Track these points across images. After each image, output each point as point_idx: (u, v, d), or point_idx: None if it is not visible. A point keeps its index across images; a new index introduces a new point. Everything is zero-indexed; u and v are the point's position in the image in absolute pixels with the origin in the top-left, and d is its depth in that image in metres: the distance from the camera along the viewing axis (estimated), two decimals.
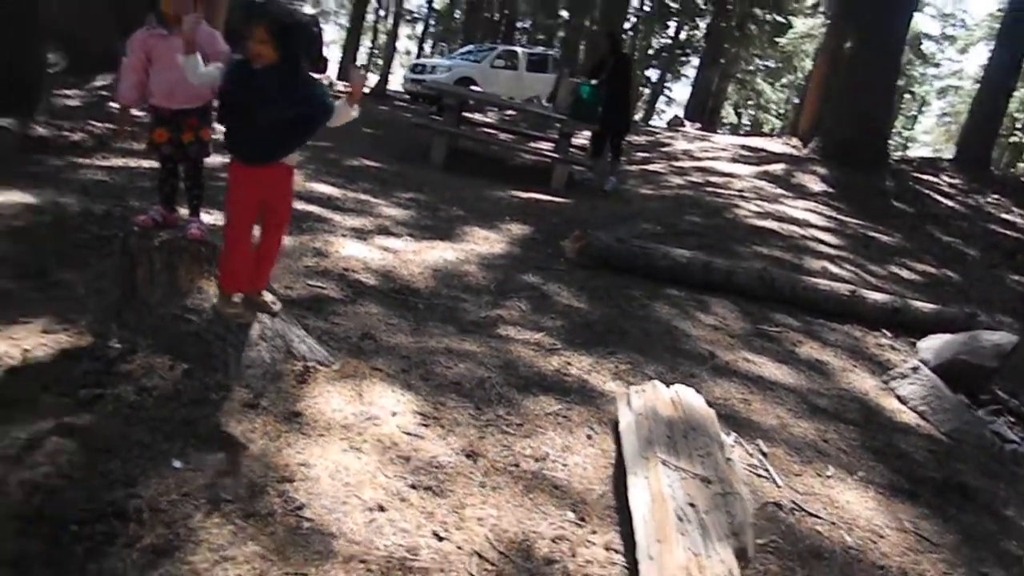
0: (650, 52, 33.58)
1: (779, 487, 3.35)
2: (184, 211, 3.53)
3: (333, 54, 33.43)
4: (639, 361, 4.36)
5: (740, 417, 3.96)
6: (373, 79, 21.10)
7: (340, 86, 20.08)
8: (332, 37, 40.39)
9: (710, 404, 3.52)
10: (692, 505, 2.56)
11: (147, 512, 2.24)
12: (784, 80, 39.14)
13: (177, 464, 2.45)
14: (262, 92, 2.81)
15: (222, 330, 3.10)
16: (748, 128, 41.97)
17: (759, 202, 10.03)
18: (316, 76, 3.05)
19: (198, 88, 3.09)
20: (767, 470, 3.46)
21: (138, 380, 2.88)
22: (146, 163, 6.44)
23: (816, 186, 11.49)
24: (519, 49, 23.43)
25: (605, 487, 3.02)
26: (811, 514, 3.20)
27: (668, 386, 3.54)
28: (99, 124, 8.05)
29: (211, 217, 3.79)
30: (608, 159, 10.44)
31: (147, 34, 3.15)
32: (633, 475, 2.83)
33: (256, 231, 3.13)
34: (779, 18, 28.79)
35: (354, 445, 2.77)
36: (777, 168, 12.29)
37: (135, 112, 3.43)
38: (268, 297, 3.32)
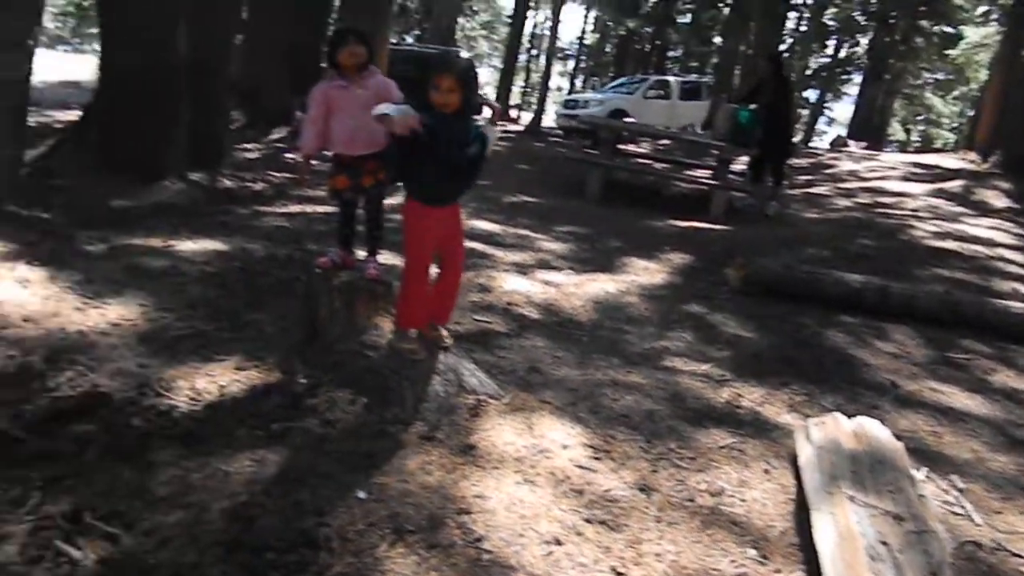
0: (808, 72, 32.48)
1: (978, 525, 3.09)
2: (361, 253, 3.71)
3: (488, 95, 34.37)
4: (815, 392, 4.17)
5: (930, 451, 3.70)
6: (527, 117, 21.52)
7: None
8: (486, 79, 41.57)
9: (896, 437, 3.30)
10: (884, 543, 2.40)
11: (336, 541, 2.34)
12: (956, 92, 36.80)
13: (362, 495, 2.55)
14: (450, 136, 3.01)
15: (398, 365, 3.23)
16: (918, 144, 39.62)
17: (936, 221, 9.43)
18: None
19: (377, 134, 3.29)
20: (963, 507, 3.20)
21: (323, 414, 3.04)
22: (320, 208, 6.84)
23: (999, 202, 10.69)
24: (671, 78, 23.28)
25: (786, 523, 2.89)
26: (1015, 554, 2.92)
27: (849, 418, 3.36)
28: (277, 174, 8.64)
29: (383, 256, 3.96)
30: (769, 183, 10.12)
31: (328, 86, 3.37)
32: (817, 511, 2.70)
33: (433, 269, 3.28)
34: (948, 29, 27.18)
35: (528, 478, 2.80)
36: (954, 185, 11.54)
37: (314, 161, 3.66)
38: (442, 332, 3.44)
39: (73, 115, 8.74)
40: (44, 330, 3.69)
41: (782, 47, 25.63)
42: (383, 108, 2.91)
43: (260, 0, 13.99)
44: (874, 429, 3.25)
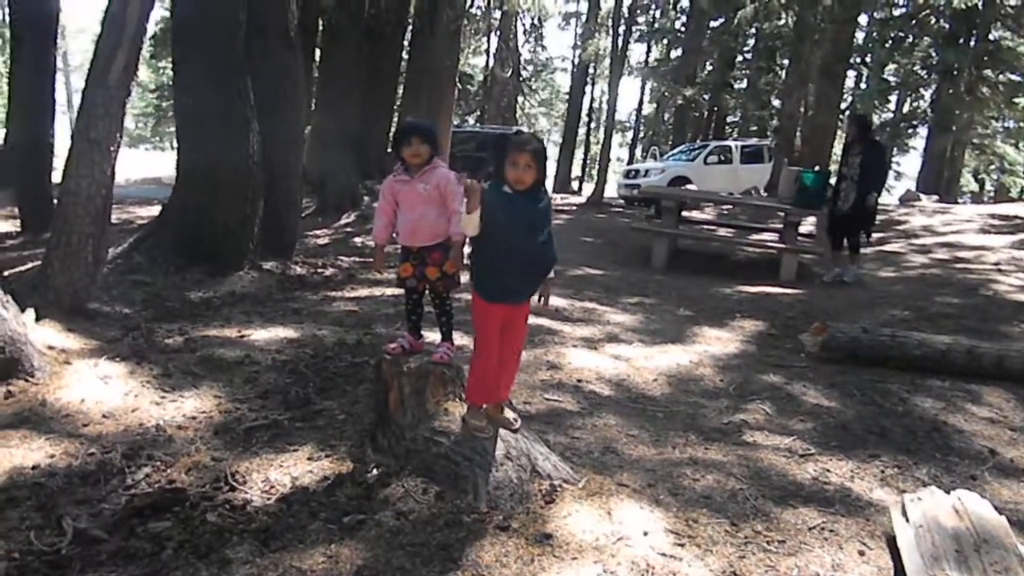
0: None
1: None
2: (430, 336, 3.72)
3: (549, 170, 34.80)
4: (907, 464, 3.95)
5: None
6: (588, 189, 21.69)
7: (558, 199, 20.81)
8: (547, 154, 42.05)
9: (999, 510, 3.09)
10: None
11: None
12: None
13: None
14: (521, 215, 3.05)
15: (469, 451, 3.17)
16: (992, 195, 38.50)
17: (1021, 275, 9.06)
18: None
19: (440, 227, 3.36)
20: None
21: (395, 504, 3.00)
22: (388, 291, 6.92)
23: None
24: (732, 142, 23.26)
25: None
26: None
27: (947, 492, 3.17)
28: (346, 259, 8.83)
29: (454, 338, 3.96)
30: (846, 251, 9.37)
31: (394, 179, 3.45)
32: None
33: None
34: (1014, 77, 26.59)
35: (608, 568, 2.68)
36: None
37: (388, 248, 3.71)
38: (510, 414, 3.39)
39: (154, 210, 9.11)
40: (123, 426, 3.77)
41: (843, 105, 25.43)
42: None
43: (327, 93, 14.60)
44: (975, 503, 3.06)
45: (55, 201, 7.06)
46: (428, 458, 3.23)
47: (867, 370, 5.44)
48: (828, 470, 3.79)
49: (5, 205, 12.21)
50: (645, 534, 2.94)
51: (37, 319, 4.86)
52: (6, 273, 6.30)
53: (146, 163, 30.90)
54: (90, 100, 5.33)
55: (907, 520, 3.00)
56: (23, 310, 4.55)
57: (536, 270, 3.20)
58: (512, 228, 3.03)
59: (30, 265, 6.99)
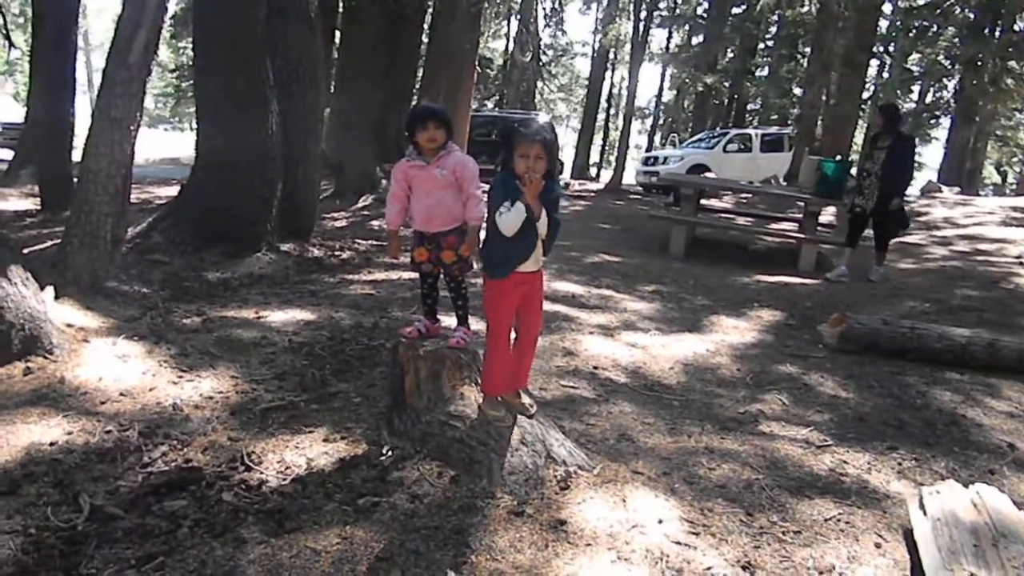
0: None
1: None
2: (446, 320, 3.70)
3: (567, 156, 34.70)
4: (925, 457, 3.91)
5: None
6: (606, 175, 21.59)
7: (575, 185, 20.74)
8: (565, 140, 41.97)
9: (1018, 505, 3.06)
10: None
11: None
12: None
13: (452, 574, 2.48)
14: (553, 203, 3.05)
15: (484, 436, 3.17)
16: (1014, 187, 38.03)
17: None
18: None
19: (455, 211, 3.33)
20: None
21: (409, 488, 3.00)
22: (405, 275, 6.92)
23: None
24: (752, 131, 23.09)
25: None
26: None
27: (966, 486, 3.13)
28: (363, 242, 8.82)
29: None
30: (872, 248, 8.89)
31: (407, 164, 3.40)
32: None
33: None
34: None
35: (622, 555, 2.67)
36: None
37: (402, 233, 3.68)
38: (526, 400, 3.37)
39: (172, 191, 9.14)
40: (140, 404, 3.78)
41: (865, 95, 25.14)
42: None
43: (346, 75, 14.58)
44: (993, 498, 3.03)
45: (75, 180, 7.10)
46: (443, 442, 3.23)
47: (886, 362, 5.40)
48: (845, 462, 3.76)
49: (25, 183, 12.29)
50: (660, 522, 2.92)
51: (56, 297, 4.89)
52: (26, 251, 6.34)
53: (165, 143, 31.05)
54: (111, 79, 5.34)
55: (924, 513, 2.97)
56: (42, 288, 4.57)
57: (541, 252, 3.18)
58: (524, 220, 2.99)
59: (50, 243, 7.03)
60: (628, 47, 26.27)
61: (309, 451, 3.37)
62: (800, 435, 4.07)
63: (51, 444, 3.30)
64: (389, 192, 3.54)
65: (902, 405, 4.65)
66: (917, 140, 15.20)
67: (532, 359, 3.46)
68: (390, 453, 3.27)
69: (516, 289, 3.13)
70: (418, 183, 3.38)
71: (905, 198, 8.67)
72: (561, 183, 20.02)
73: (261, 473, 3.13)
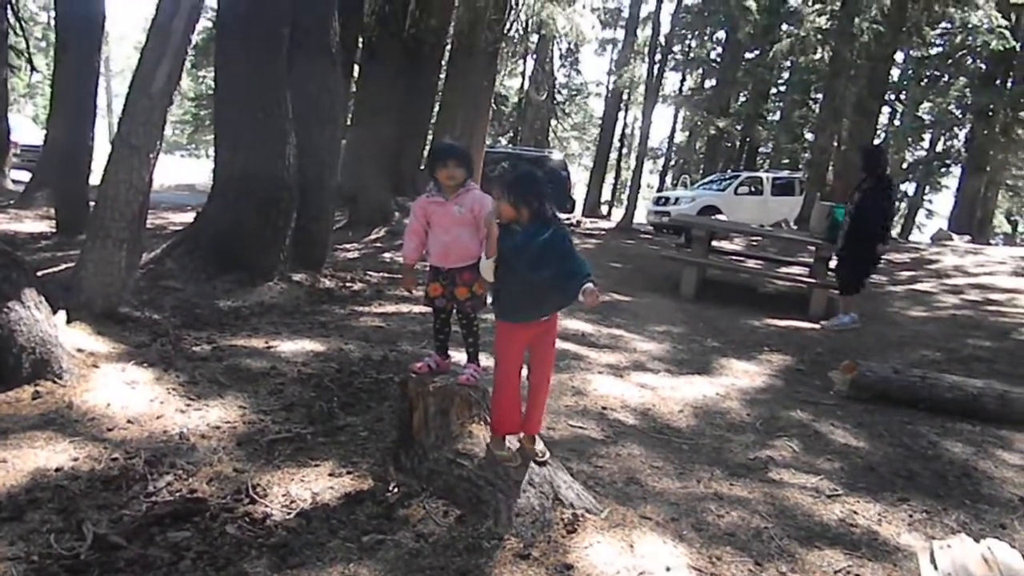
0: (904, 166, 31.74)
1: None
2: (456, 355, 3.70)
3: (579, 194, 34.83)
4: (936, 509, 3.86)
5: None
6: (618, 214, 21.64)
7: (587, 223, 20.79)
8: (578, 178, 42.19)
9: None
10: None
11: None
12: None
13: None
14: (523, 250, 2.99)
15: (492, 476, 3.14)
16: None
17: None
18: (563, 216, 3.17)
19: (472, 248, 3.34)
20: None
21: (415, 526, 2.97)
22: (416, 308, 6.93)
23: None
24: (763, 174, 23.17)
25: None
26: None
27: (977, 540, 3.09)
28: (375, 274, 8.84)
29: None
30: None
31: (427, 200, 3.44)
32: None
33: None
34: None
35: None
36: None
37: (417, 266, 3.70)
38: (539, 446, 3.35)
39: (187, 217, 9.20)
40: (147, 432, 3.77)
41: (876, 141, 25.21)
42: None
43: (363, 109, 14.74)
44: (1005, 553, 2.98)
45: (91, 203, 7.15)
46: (450, 480, 3.21)
47: (896, 411, 5.36)
48: (855, 512, 3.72)
49: (41, 205, 12.39)
50: (667, 570, 2.89)
51: (68, 321, 4.90)
52: (40, 273, 6.38)
53: (181, 169, 31.34)
54: (132, 107, 5.40)
55: (935, 567, 2.93)
56: (55, 311, 4.59)
57: (554, 299, 3.15)
58: (518, 263, 3.01)
59: (64, 266, 7.06)
60: (642, 88, 26.43)
61: (315, 485, 3.35)
62: (810, 483, 4.03)
63: (57, 470, 3.29)
64: (407, 227, 3.58)
65: (913, 455, 4.60)
66: (927, 188, 15.13)
67: (545, 401, 3.43)
68: (396, 490, 3.24)
69: (527, 331, 3.14)
70: (436, 219, 3.41)
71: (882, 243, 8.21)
72: (573, 220, 20.19)
73: (266, 506, 3.11)
